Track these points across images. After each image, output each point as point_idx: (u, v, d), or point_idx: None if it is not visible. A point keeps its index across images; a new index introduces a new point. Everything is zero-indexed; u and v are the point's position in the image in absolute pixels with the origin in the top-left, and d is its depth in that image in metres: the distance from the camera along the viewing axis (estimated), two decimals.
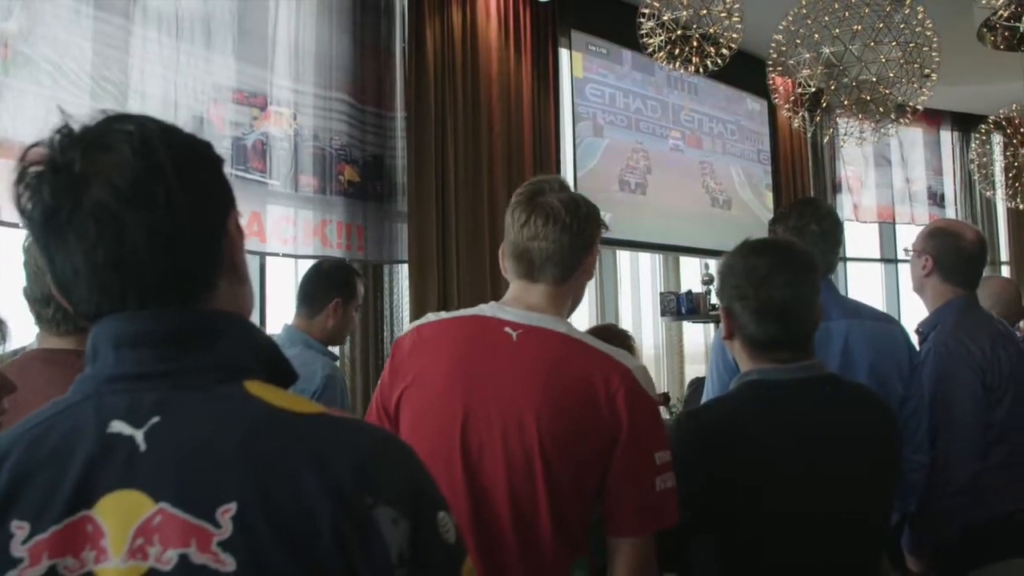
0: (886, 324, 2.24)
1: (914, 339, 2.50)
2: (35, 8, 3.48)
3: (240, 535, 0.71)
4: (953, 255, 2.45)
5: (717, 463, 1.60)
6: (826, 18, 4.83)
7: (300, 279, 3.07)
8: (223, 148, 4.08)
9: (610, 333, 3.76)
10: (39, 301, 1.68)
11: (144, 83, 3.82)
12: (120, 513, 0.72)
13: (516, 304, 1.60)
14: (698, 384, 5.15)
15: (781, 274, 1.65)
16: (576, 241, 1.59)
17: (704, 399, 2.24)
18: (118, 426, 0.75)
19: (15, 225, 3.53)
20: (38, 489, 0.73)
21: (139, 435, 0.75)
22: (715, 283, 1.79)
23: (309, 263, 4.12)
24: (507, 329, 1.54)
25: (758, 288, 1.65)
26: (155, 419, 0.75)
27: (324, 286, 2.98)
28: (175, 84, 3.94)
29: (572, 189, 1.68)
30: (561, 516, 1.46)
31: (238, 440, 0.75)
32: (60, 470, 0.74)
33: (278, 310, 4.17)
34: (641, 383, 1.50)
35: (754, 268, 1.67)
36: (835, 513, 1.61)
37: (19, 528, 0.72)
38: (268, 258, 4.35)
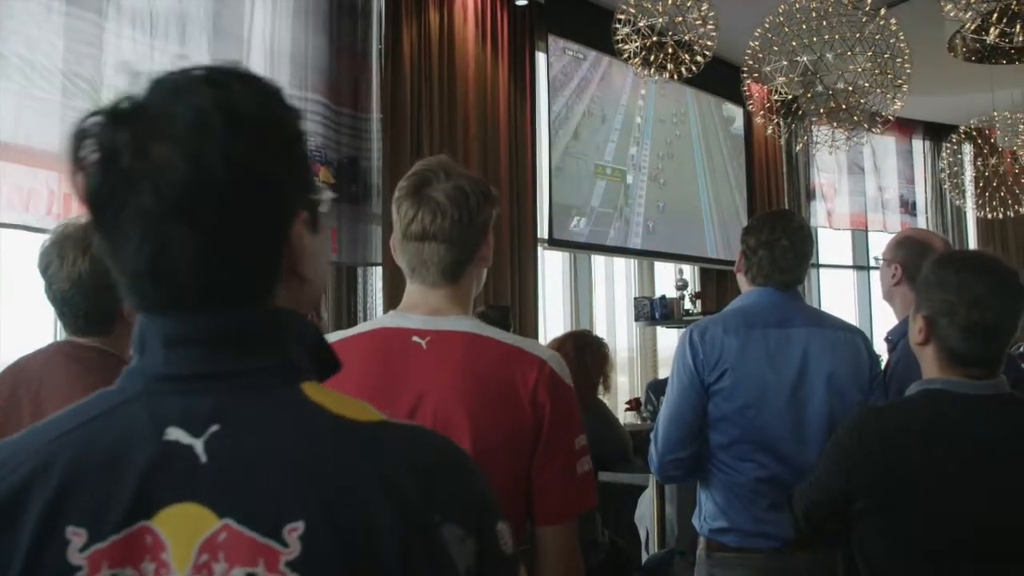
0: (847, 334, 2.27)
1: (883, 347, 2.53)
2: (6, 3, 3.43)
3: (308, 555, 0.68)
4: (922, 264, 2.48)
5: (892, 466, 1.65)
6: (803, 26, 4.89)
7: None
8: None
9: (585, 339, 3.80)
10: (54, 303, 1.67)
11: (118, 80, 3.78)
12: (183, 527, 0.69)
13: (417, 310, 1.54)
14: (657, 385, 5.19)
15: (996, 297, 1.66)
16: (468, 235, 1.52)
17: (665, 403, 2.27)
18: (175, 433, 0.72)
19: (19, 227, 3.49)
20: (92, 495, 0.70)
21: (199, 445, 0.71)
22: (919, 290, 1.78)
23: None
24: (415, 338, 1.49)
25: (971, 307, 1.65)
26: (214, 428, 0.72)
27: None
28: None
29: (460, 169, 1.58)
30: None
31: (301, 453, 0.72)
32: (115, 477, 0.70)
33: None
34: (557, 371, 1.49)
35: (967, 286, 1.67)
36: (999, 522, 1.64)
37: (75, 535, 0.68)
38: None
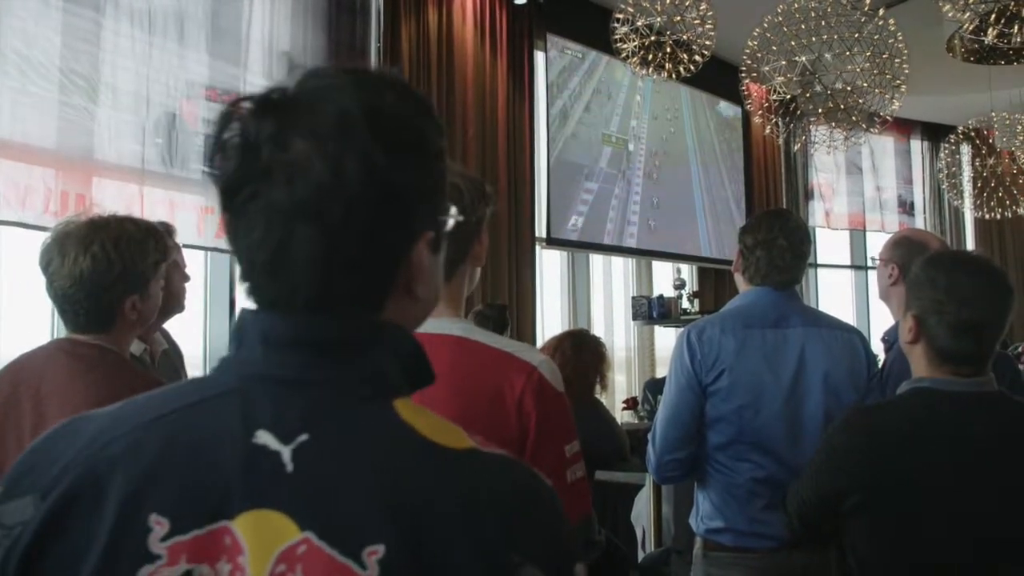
0: (844, 333, 2.27)
1: (879, 347, 2.53)
2: (4, 0, 3.43)
3: None
4: None
5: (883, 464, 1.65)
6: (801, 26, 4.89)
7: None
8: (195, 145, 4.05)
9: (582, 338, 3.80)
10: (55, 300, 1.67)
11: (115, 78, 3.79)
12: (262, 533, 0.68)
13: None
14: (654, 384, 5.19)
15: (985, 297, 1.67)
16: (462, 233, 1.47)
17: (662, 403, 2.26)
18: (264, 437, 0.70)
19: (15, 224, 3.49)
20: (177, 487, 0.69)
21: (286, 453, 0.70)
22: (909, 289, 1.78)
23: None
24: None
25: (960, 306, 1.66)
26: (303, 437, 0.70)
27: None
28: (147, 79, 3.90)
29: (454, 167, 1.56)
30: None
31: (387, 475, 0.70)
32: (201, 472, 0.70)
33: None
34: (547, 377, 1.46)
35: (958, 286, 1.68)
36: (988, 522, 1.65)
37: (158, 523, 0.68)
38: None
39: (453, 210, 0.84)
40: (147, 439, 0.71)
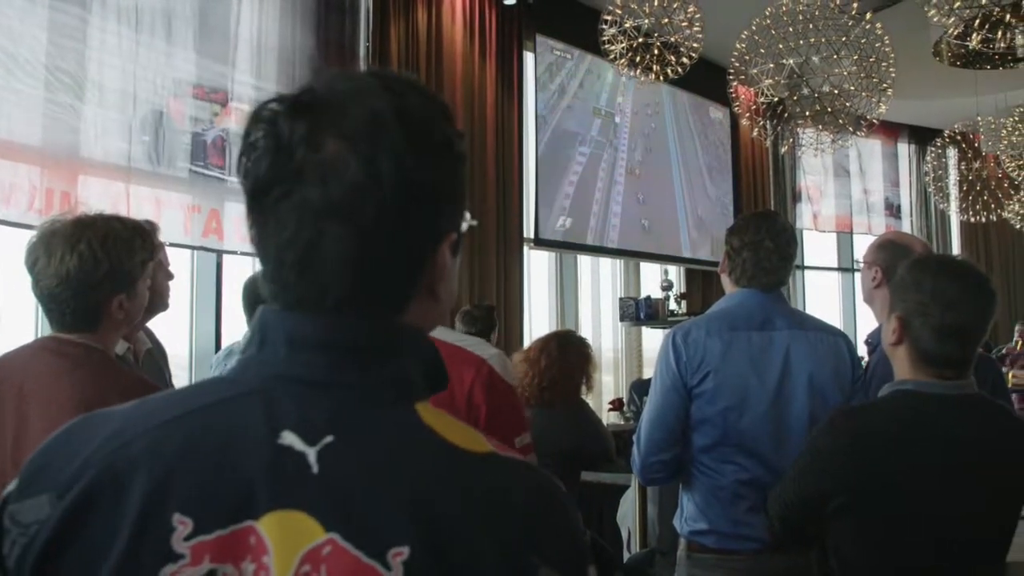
0: (829, 336, 2.28)
1: (864, 349, 2.54)
2: None
3: None
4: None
5: (867, 466, 1.67)
6: (789, 28, 4.91)
7: (243, 291, 3.01)
8: (183, 144, 4.04)
9: (568, 339, 3.80)
10: (41, 299, 1.66)
11: (102, 75, 3.77)
12: (287, 534, 0.68)
13: None
14: (640, 386, 5.20)
15: (970, 302, 1.69)
16: None
17: (648, 405, 2.27)
18: (289, 438, 0.71)
19: (14, 224, 3.46)
20: (201, 486, 0.69)
21: (312, 454, 0.70)
22: (894, 291, 1.80)
23: None
24: None
25: (945, 310, 1.68)
26: (328, 438, 0.71)
27: None
28: (134, 77, 3.89)
29: None
30: None
31: (411, 478, 0.71)
32: (225, 472, 0.70)
33: (236, 308, 4.14)
34: (497, 370, 1.49)
35: (943, 290, 1.70)
36: (969, 523, 1.67)
37: (181, 523, 0.68)
38: (226, 256, 4.32)
39: (469, 219, 0.85)
40: (168, 438, 0.71)
